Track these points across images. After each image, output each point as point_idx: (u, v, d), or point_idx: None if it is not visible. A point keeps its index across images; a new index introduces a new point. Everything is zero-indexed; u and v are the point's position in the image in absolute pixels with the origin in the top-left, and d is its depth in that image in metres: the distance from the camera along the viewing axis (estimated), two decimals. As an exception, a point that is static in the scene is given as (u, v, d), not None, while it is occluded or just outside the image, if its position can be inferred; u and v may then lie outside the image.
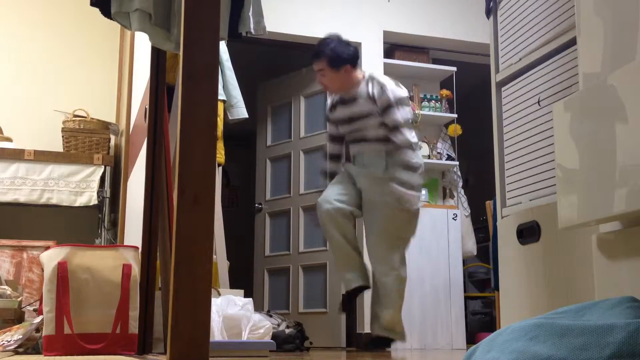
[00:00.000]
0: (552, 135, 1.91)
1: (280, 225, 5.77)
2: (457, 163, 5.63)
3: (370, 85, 3.93)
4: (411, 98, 5.54)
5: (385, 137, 3.90)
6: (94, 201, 4.71)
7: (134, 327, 2.55)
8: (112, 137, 5.11)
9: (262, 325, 2.94)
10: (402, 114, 3.84)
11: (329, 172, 4.18)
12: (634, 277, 1.31)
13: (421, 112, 5.48)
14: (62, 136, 4.84)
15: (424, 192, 5.31)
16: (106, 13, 2.48)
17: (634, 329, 0.87)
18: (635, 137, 1.23)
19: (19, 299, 3.05)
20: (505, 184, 2.31)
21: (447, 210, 5.27)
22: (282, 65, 6.26)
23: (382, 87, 3.89)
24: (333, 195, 3.88)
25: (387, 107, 3.84)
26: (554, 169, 1.89)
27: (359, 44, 5.36)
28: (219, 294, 3.26)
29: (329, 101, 4.15)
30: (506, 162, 2.31)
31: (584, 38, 1.53)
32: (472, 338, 5.65)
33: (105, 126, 4.97)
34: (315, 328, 5.00)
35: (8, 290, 3.05)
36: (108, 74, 5.39)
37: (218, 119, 3.77)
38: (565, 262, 1.94)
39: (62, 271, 2.49)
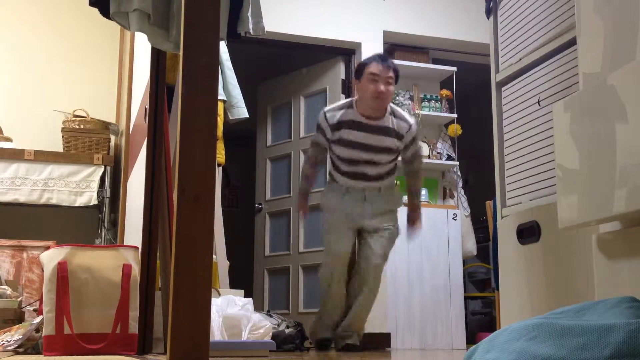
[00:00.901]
0: (552, 135, 1.90)
1: (280, 225, 5.76)
2: (457, 163, 5.62)
3: (393, 118, 3.96)
4: (411, 98, 5.54)
5: (389, 172, 4.00)
6: (94, 201, 4.71)
7: (134, 327, 2.55)
8: (112, 137, 5.11)
9: (262, 325, 2.94)
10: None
11: (302, 191, 4.18)
12: (634, 277, 1.31)
13: (421, 112, 5.48)
14: (62, 136, 4.84)
15: (423, 192, 5.31)
16: (105, 13, 2.48)
17: (634, 329, 0.87)
18: (635, 137, 1.23)
19: (19, 299, 3.05)
20: (505, 184, 2.31)
21: (447, 210, 5.27)
22: (282, 65, 6.26)
23: (406, 121, 3.98)
24: (343, 248, 3.91)
25: (413, 139, 3.99)
26: (554, 169, 1.89)
27: (359, 44, 5.36)
28: (219, 294, 3.25)
29: (333, 117, 3.99)
30: (506, 162, 2.31)
31: (584, 38, 1.53)
32: (472, 338, 5.65)
33: (105, 126, 4.97)
34: (315, 328, 4.99)
35: (8, 290, 3.05)
36: (108, 74, 5.39)
37: (218, 119, 3.76)
38: (565, 262, 1.94)
39: (62, 271, 2.49)
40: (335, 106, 4.08)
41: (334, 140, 3.97)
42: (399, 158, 4.06)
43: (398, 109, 4.03)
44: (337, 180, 4.04)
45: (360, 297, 3.91)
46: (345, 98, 5.28)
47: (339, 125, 3.95)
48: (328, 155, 4.12)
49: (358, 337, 3.96)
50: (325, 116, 4.00)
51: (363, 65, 4.01)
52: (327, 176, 4.20)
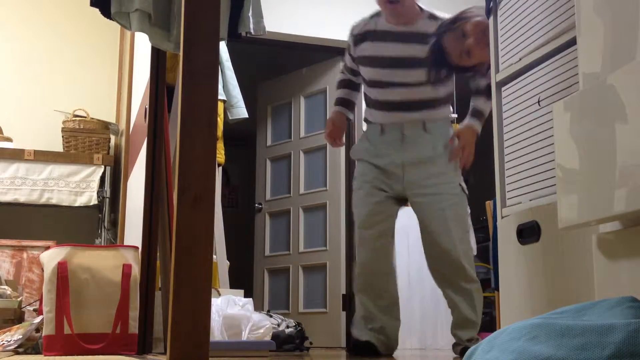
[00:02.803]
0: (552, 135, 1.91)
1: (280, 225, 5.76)
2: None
3: (428, 21, 3.10)
4: (411, 98, 5.51)
5: (436, 99, 3.14)
6: (94, 201, 4.72)
7: (134, 327, 2.55)
8: (112, 137, 5.12)
9: (262, 325, 2.94)
10: None
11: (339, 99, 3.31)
12: (634, 277, 1.31)
13: (421, 112, 5.46)
14: (62, 136, 4.84)
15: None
16: (106, 13, 2.49)
17: (634, 329, 0.87)
18: (635, 137, 1.23)
19: (19, 299, 3.05)
20: (505, 184, 2.31)
21: (447, 210, 5.26)
22: (282, 65, 6.26)
23: (441, 18, 3.10)
24: (365, 212, 3.09)
25: None
26: (554, 169, 1.89)
27: (359, 44, 5.36)
28: (219, 294, 3.26)
29: (358, 26, 3.24)
30: (506, 162, 2.31)
31: (584, 38, 1.53)
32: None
33: (105, 126, 4.97)
34: (315, 328, 5.00)
35: (8, 290, 3.05)
36: (108, 74, 5.39)
37: (218, 118, 3.76)
38: (565, 262, 1.94)
39: (62, 271, 2.49)
40: (365, 16, 3.30)
41: (360, 59, 3.19)
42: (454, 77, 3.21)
43: (437, 11, 3.14)
44: (371, 121, 3.20)
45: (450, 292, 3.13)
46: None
47: (363, 37, 3.18)
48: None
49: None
50: (352, 28, 3.29)
51: None
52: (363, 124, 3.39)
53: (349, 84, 3.38)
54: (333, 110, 3.37)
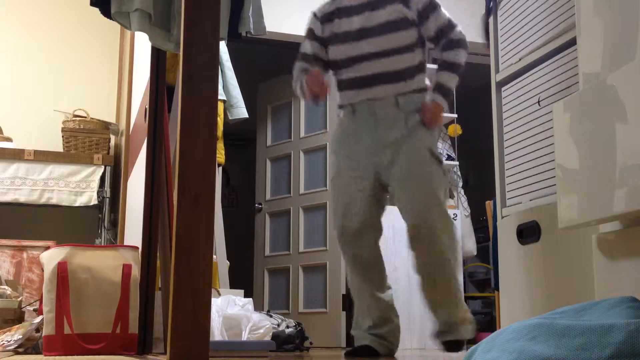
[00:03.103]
0: (552, 135, 1.91)
1: (280, 225, 5.77)
2: (457, 163, 5.62)
3: None
4: (411, 98, 5.50)
5: (409, 68, 3.00)
6: (94, 201, 4.72)
7: (134, 327, 2.55)
8: (112, 137, 5.12)
9: (262, 325, 2.94)
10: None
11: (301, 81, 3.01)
12: (634, 277, 1.31)
13: (421, 112, 5.45)
14: (62, 136, 4.84)
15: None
16: (106, 13, 2.49)
17: (634, 329, 0.87)
18: (635, 137, 1.23)
19: (19, 299, 3.05)
20: (505, 184, 2.31)
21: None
22: (282, 65, 6.25)
23: None
24: (349, 218, 2.91)
25: (430, 3, 2.92)
26: (554, 169, 1.89)
27: (359, 44, 5.35)
28: (219, 294, 3.26)
29: (323, 9, 3.16)
30: (506, 162, 2.31)
31: (584, 38, 1.53)
32: (472, 338, 5.64)
33: (105, 126, 4.97)
34: (315, 328, 5.00)
35: (8, 290, 3.05)
36: (108, 74, 5.39)
37: (218, 119, 3.76)
38: (565, 262, 1.94)
39: (62, 271, 2.49)
40: (327, 0, 3.18)
41: (328, 39, 3.06)
42: (425, 45, 3.08)
43: None
44: (343, 103, 3.03)
45: (421, 281, 2.99)
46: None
47: (329, 16, 3.10)
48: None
49: (459, 328, 3.02)
50: (314, 13, 3.21)
51: None
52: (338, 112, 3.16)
53: (314, 60, 3.11)
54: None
